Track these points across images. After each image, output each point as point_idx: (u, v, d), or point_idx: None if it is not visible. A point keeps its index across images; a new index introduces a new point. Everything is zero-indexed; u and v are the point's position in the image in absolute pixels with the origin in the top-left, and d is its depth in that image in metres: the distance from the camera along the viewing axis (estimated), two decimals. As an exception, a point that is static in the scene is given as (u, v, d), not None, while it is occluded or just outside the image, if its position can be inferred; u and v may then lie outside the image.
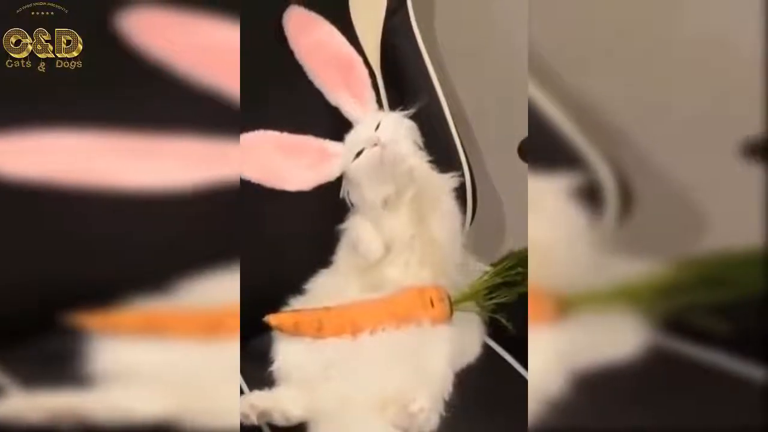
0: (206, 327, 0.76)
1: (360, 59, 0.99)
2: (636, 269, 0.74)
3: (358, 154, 0.92)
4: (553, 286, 0.73)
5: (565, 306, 0.73)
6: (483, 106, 1.19)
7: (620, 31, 0.79)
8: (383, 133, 0.91)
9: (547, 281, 0.73)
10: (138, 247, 0.85)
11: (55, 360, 0.73)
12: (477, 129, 1.17)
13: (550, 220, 0.78)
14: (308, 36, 0.98)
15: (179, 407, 0.68)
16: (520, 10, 0.87)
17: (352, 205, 0.94)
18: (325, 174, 0.96)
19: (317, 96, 0.98)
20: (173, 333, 0.76)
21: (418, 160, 0.92)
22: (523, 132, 0.84)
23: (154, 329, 0.76)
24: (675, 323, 0.73)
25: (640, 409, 0.68)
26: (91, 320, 0.76)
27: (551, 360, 0.70)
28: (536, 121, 0.80)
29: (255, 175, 0.93)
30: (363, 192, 0.93)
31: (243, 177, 0.90)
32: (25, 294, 0.81)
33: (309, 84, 0.98)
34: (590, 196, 0.79)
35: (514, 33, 1.05)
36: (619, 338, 0.72)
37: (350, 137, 0.95)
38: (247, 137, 0.93)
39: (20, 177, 0.78)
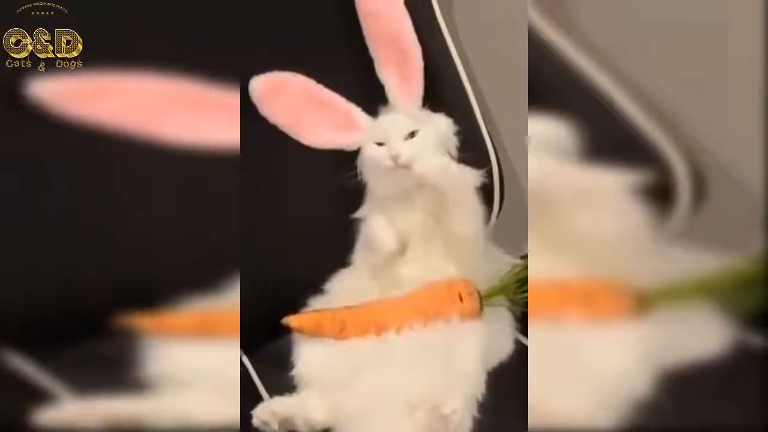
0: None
1: (419, 48, 0.94)
2: (711, 263, 0.73)
3: (379, 143, 0.89)
4: (629, 281, 0.73)
5: (644, 301, 0.72)
6: (507, 97, 1.15)
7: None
8: (413, 148, 0.87)
9: (619, 275, 0.73)
10: (190, 245, 0.84)
11: (109, 364, 0.73)
12: (499, 117, 1.14)
13: (614, 214, 0.77)
14: (372, 1, 0.94)
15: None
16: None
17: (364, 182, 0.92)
18: (343, 142, 0.93)
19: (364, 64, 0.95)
20: (227, 334, 0.76)
21: (442, 172, 0.87)
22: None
23: (210, 330, 0.76)
24: (758, 318, 0.72)
25: (728, 408, 0.67)
26: (144, 322, 0.76)
27: (635, 357, 0.69)
28: (606, 114, 0.80)
29: (279, 118, 0.91)
30: (372, 183, 0.91)
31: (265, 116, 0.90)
32: (75, 295, 0.81)
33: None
34: (662, 189, 0.78)
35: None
36: (702, 334, 0.71)
37: (382, 122, 0.91)
38: (280, 75, 0.91)
39: (87, 119, 0.78)
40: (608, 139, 0.80)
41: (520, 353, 0.89)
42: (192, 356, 0.74)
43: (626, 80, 0.80)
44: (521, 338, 0.91)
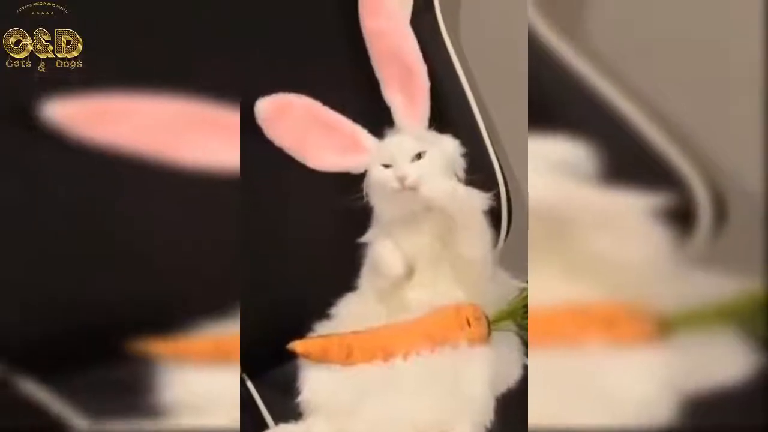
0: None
1: (424, 67, 0.93)
2: (732, 287, 0.73)
3: (386, 165, 0.88)
4: (650, 305, 0.72)
5: (666, 326, 0.71)
6: (513, 118, 1.15)
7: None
8: (420, 170, 0.86)
9: (639, 299, 0.72)
10: (205, 269, 0.83)
11: (123, 389, 0.73)
12: (505, 137, 1.13)
13: (633, 237, 0.76)
14: (376, 20, 0.93)
15: None
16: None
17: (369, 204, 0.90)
18: (349, 164, 0.92)
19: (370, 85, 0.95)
20: None
21: (450, 195, 0.86)
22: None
23: (224, 356, 0.76)
24: None
25: None
26: (158, 347, 0.76)
27: (657, 383, 0.68)
28: (626, 137, 0.80)
29: (284, 141, 0.90)
30: (379, 205, 0.90)
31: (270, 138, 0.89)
32: (89, 319, 0.80)
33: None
34: (682, 212, 0.78)
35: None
36: (725, 360, 0.70)
37: (388, 144, 0.90)
38: (286, 97, 0.90)
39: (97, 141, 0.78)
40: (627, 161, 0.79)
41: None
42: (206, 382, 0.74)
43: (645, 101, 0.79)
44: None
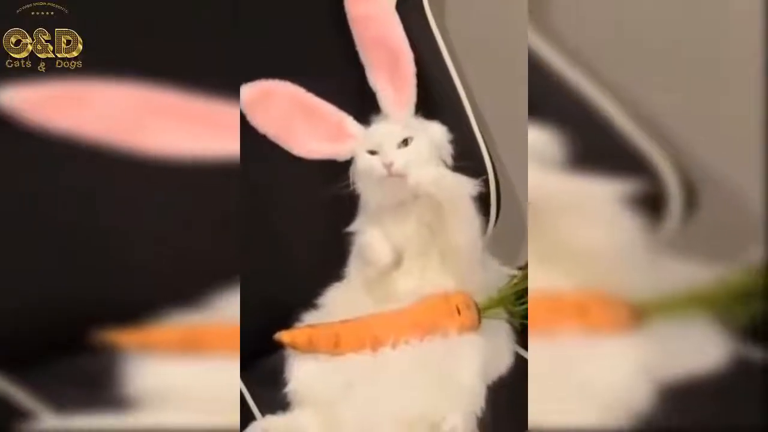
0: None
1: (410, 53, 0.92)
2: (703, 274, 0.73)
3: (372, 152, 0.87)
4: (622, 292, 0.72)
5: (639, 313, 0.71)
6: (500, 105, 1.15)
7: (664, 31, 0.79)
8: (407, 156, 0.85)
9: (612, 287, 0.72)
10: (171, 258, 0.83)
11: (89, 381, 0.72)
12: (493, 126, 1.12)
13: (604, 224, 0.76)
14: (362, 6, 0.93)
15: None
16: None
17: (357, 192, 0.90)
18: (335, 152, 0.91)
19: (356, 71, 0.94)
20: (212, 350, 0.75)
21: (438, 182, 0.85)
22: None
23: (193, 346, 0.75)
24: (755, 330, 0.71)
25: (725, 421, 0.66)
26: (124, 338, 0.75)
27: (632, 370, 0.68)
28: (596, 124, 0.79)
29: (266, 128, 0.89)
30: (366, 193, 0.89)
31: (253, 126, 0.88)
32: (53, 310, 0.79)
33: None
34: (653, 199, 0.78)
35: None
36: (699, 347, 0.71)
37: (375, 131, 0.89)
38: (269, 83, 0.89)
39: (62, 129, 0.77)
40: (598, 148, 0.79)
41: (520, 367, 0.88)
42: (175, 372, 0.73)
43: (615, 90, 0.79)
44: (521, 351, 0.90)
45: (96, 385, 0.71)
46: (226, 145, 0.79)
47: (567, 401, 0.67)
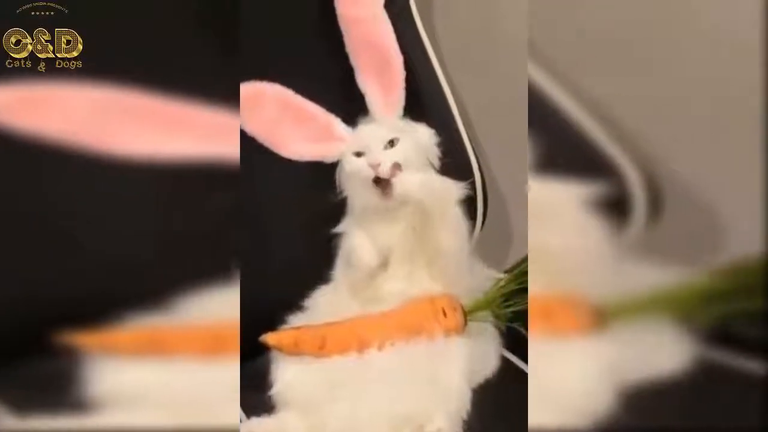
0: (208, 344, 0.75)
1: (400, 56, 0.92)
2: (668, 277, 0.73)
3: (358, 154, 0.87)
4: (586, 295, 0.72)
5: (602, 316, 0.71)
6: (486, 108, 1.15)
7: (628, 28, 0.79)
8: (394, 157, 0.85)
9: (575, 290, 0.72)
10: (134, 261, 0.83)
11: (49, 383, 0.72)
12: (481, 131, 1.12)
13: (568, 227, 0.76)
14: (352, 7, 0.92)
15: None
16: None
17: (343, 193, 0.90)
18: (323, 153, 0.91)
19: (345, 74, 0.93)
20: (174, 351, 0.75)
21: (424, 188, 0.85)
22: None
23: (154, 348, 0.75)
24: (718, 333, 0.72)
25: (688, 424, 0.67)
26: (86, 340, 0.75)
27: (595, 373, 0.68)
28: (561, 127, 0.79)
29: (256, 130, 0.90)
30: (353, 196, 0.89)
31: (242, 129, 0.88)
32: (12, 312, 0.79)
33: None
34: (617, 202, 0.78)
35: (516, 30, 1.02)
36: (662, 350, 0.71)
37: (361, 132, 0.89)
38: (256, 86, 0.89)
39: (26, 131, 0.77)
40: (563, 152, 0.79)
41: (506, 370, 0.88)
42: (137, 374, 0.73)
43: (581, 93, 0.79)
44: (507, 354, 0.90)
45: (57, 387, 0.71)
46: (203, 147, 0.80)
47: (531, 403, 0.67)
